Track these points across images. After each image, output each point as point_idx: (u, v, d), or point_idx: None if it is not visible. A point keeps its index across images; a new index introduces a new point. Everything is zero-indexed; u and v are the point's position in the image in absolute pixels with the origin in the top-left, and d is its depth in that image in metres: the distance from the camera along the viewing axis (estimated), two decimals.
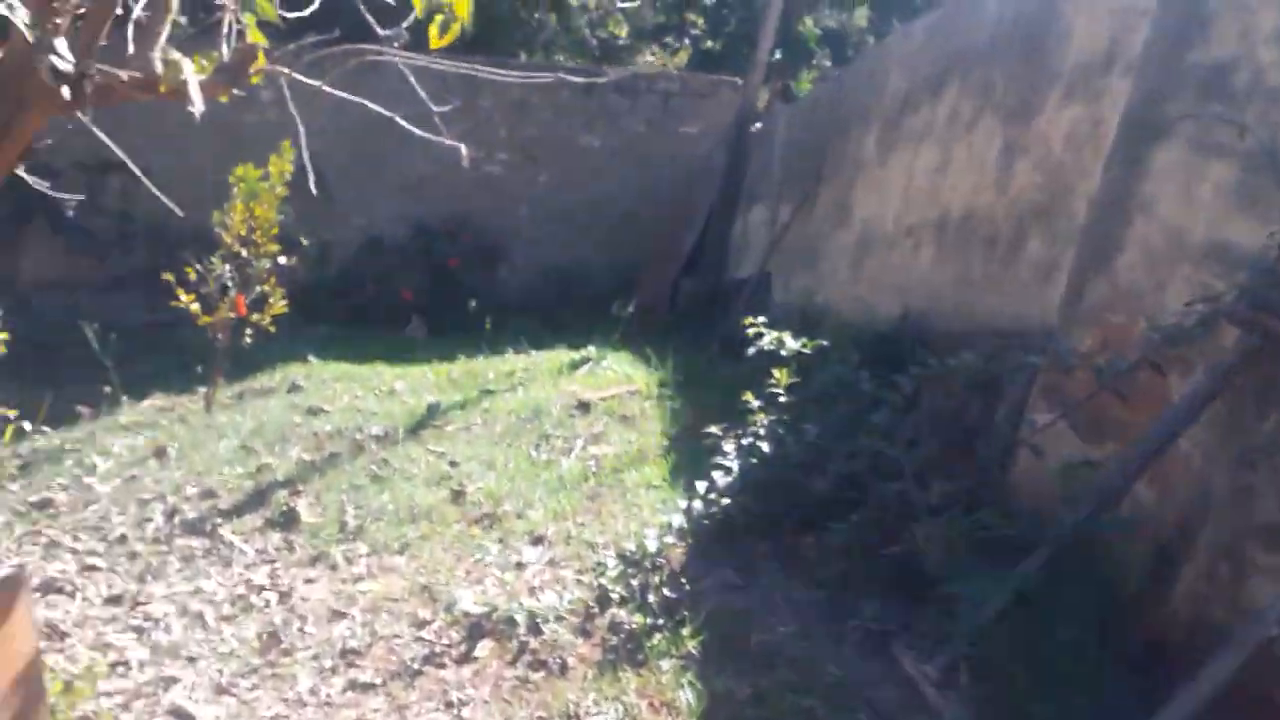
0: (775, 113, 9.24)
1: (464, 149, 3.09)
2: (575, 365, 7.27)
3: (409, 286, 9.82)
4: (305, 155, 3.54)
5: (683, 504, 3.88)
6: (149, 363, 8.01)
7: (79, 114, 2.49)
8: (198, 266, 6.15)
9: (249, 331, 6.35)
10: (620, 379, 6.43)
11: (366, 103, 3.16)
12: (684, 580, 3.41)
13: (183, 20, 2.46)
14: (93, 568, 3.99)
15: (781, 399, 3.66)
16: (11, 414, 5.92)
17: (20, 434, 6.01)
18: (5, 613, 2.42)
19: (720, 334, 7.17)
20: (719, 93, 10.50)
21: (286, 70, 3.00)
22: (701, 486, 3.76)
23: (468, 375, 7.13)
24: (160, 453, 5.30)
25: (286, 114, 10.29)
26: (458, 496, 4.61)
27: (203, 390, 6.64)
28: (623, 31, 16.41)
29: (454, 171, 10.37)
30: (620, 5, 13.06)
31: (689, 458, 4.72)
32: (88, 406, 6.63)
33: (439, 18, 3.11)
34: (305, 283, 7.75)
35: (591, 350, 7.65)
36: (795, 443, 3.58)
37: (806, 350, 3.68)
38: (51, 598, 3.72)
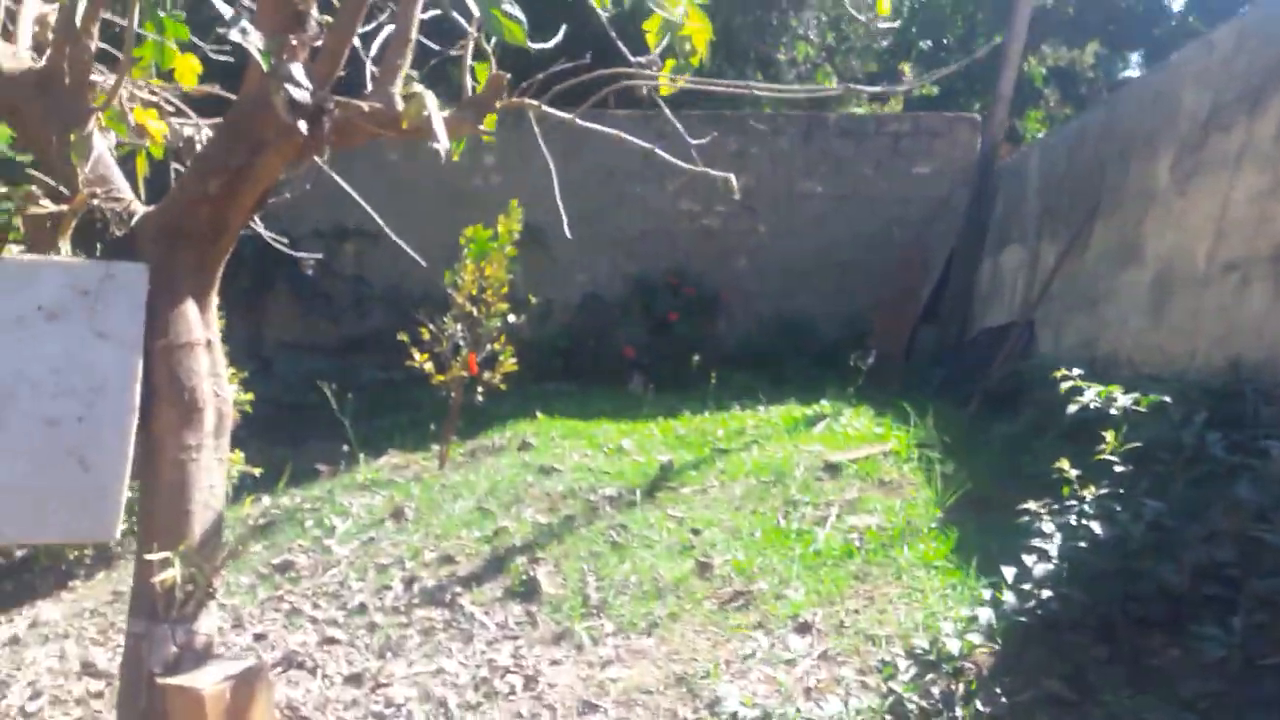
0: (1027, 148, 8.46)
1: (732, 179, 2.70)
2: (810, 421, 6.74)
3: (629, 342, 9.61)
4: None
5: (985, 594, 3.27)
6: (384, 420, 8.17)
7: (316, 158, 2.31)
8: (431, 326, 6.11)
9: (480, 389, 6.25)
10: (868, 437, 5.85)
11: (626, 136, 2.83)
12: (999, 691, 2.80)
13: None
14: (333, 640, 3.82)
15: (1115, 468, 3.00)
16: (257, 471, 6.04)
17: (265, 492, 6.16)
18: (246, 707, 2.17)
19: (980, 388, 6.45)
20: (955, 131, 9.81)
21: (536, 103, 2.73)
22: (1010, 573, 3.14)
23: (696, 432, 6.74)
24: (397, 514, 5.18)
25: (508, 177, 10.40)
26: (704, 569, 4.18)
27: (436, 448, 6.59)
28: (831, 84, 15.98)
29: (672, 225, 10.20)
30: (876, 26, 12.62)
31: (975, 534, 4.09)
32: (327, 465, 6.75)
33: (670, 62, 2.82)
34: (529, 340, 7.65)
35: (825, 405, 7.10)
36: (1132, 522, 2.91)
37: (1141, 408, 3.01)
38: (293, 674, 3.55)
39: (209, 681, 2.11)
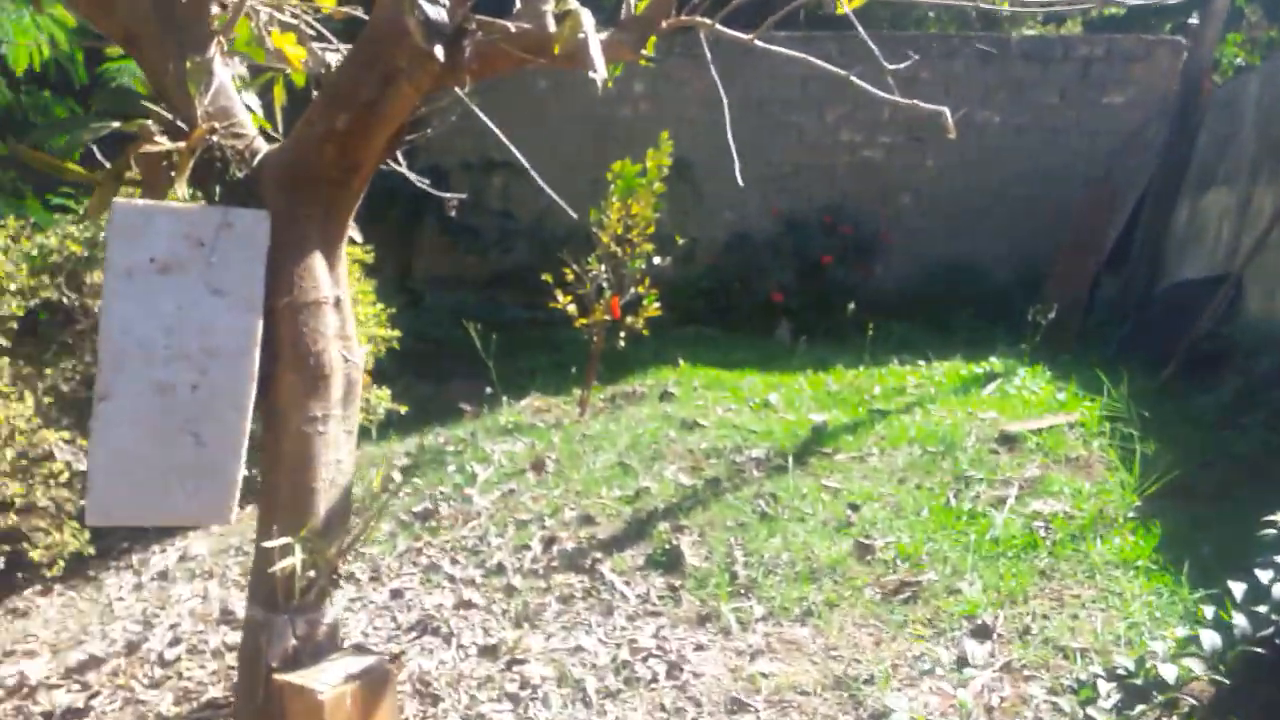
0: (1246, 73, 7.45)
1: (947, 113, 2.25)
2: (980, 381, 6.19)
3: (778, 285, 9.14)
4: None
5: (1206, 611, 2.78)
6: (526, 360, 8.04)
7: (457, 88, 2.01)
8: (575, 267, 5.85)
9: (622, 334, 5.99)
10: (1048, 404, 5.28)
11: (816, 60, 2.41)
12: None
13: None
14: (469, 604, 3.65)
15: None
16: (403, 409, 5.99)
17: (411, 431, 6.12)
18: (368, 714, 1.95)
19: (1179, 350, 5.74)
20: (1154, 55, 8.78)
21: (709, 22, 2.34)
22: (1239, 589, 2.65)
23: (849, 389, 6.30)
24: (538, 465, 4.99)
25: (657, 107, 9.91)
26: (864, 551, 3.80)
27: (577, 392, 6.40)
28: (1004, 2, 14.67)
29: (830, 158, 9.57)
30: None
31: (1182, 530, 3.56)
32: (470, 405, 6.66)
33: None
34: (673, 282, 7.30)
35: (996, 363, 6.52)
36: None
37: None
38: (427, 640, 3.40)
39: (329, 683, 1.90)
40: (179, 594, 4.06)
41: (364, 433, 5.95)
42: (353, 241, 2.67)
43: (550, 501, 4.50)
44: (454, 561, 4.06)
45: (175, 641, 3.53)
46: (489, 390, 6.53)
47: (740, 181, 3.37)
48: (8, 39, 4.22)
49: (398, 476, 5.14)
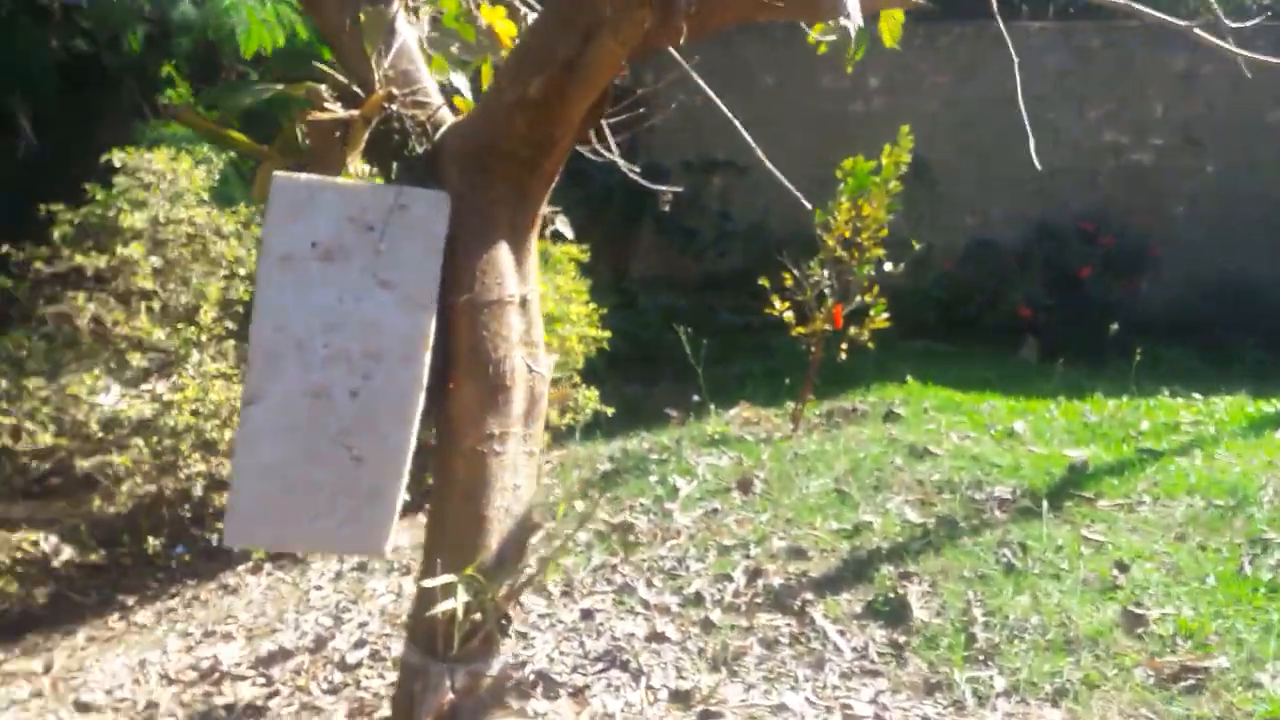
0: None
1: None
2: (1272, 423, 5.24)
3: (1024, 299, 8.26)
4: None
5: None
6: (737, 367, 7.67)
7: (669, 48, 1.65)
8: (795, 271, 5.41)
9: (844, 345, 5.50)
10: None
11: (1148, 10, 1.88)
12: None
13: None
14: (662, 637, 3.31)
15: None
16: (609, 411, 5.77)
17: (616, 435, 5.90)
18: None
19: None
20: None
21: None
22: None
23: (1111, 422, 5.49)
24: (745, 484, 4.59)
25: (893, 102, 9.22)
26: (1134, 623, 3.15)
27: (790, 405, 5.95)
28: None
29: (1091, 161, 8.59)
30: None
31: None
32: (676, 411, 6.37)
33: None
34: (901, 290, 6.69)
35: None
36: None
37: None
38: (615, 675, 3.08)
39: None
40: (373, 589, 3.97)
41: (568, 433, 5.78)
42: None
43: (756, 527, 4.10)
44: (649, 584, 3.74)
45: (360, 644, 3.40)
46: (696, 398, 6.21)
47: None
48: (243, 23, 4.31)
49: (593, 483, 4.89)
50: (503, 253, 1.81)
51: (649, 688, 2.99)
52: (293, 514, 1.60)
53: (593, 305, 5.82)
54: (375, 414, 1.64)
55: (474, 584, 1.74)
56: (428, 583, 1.71)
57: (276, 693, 3.14)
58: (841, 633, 3.29)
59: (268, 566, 4.34)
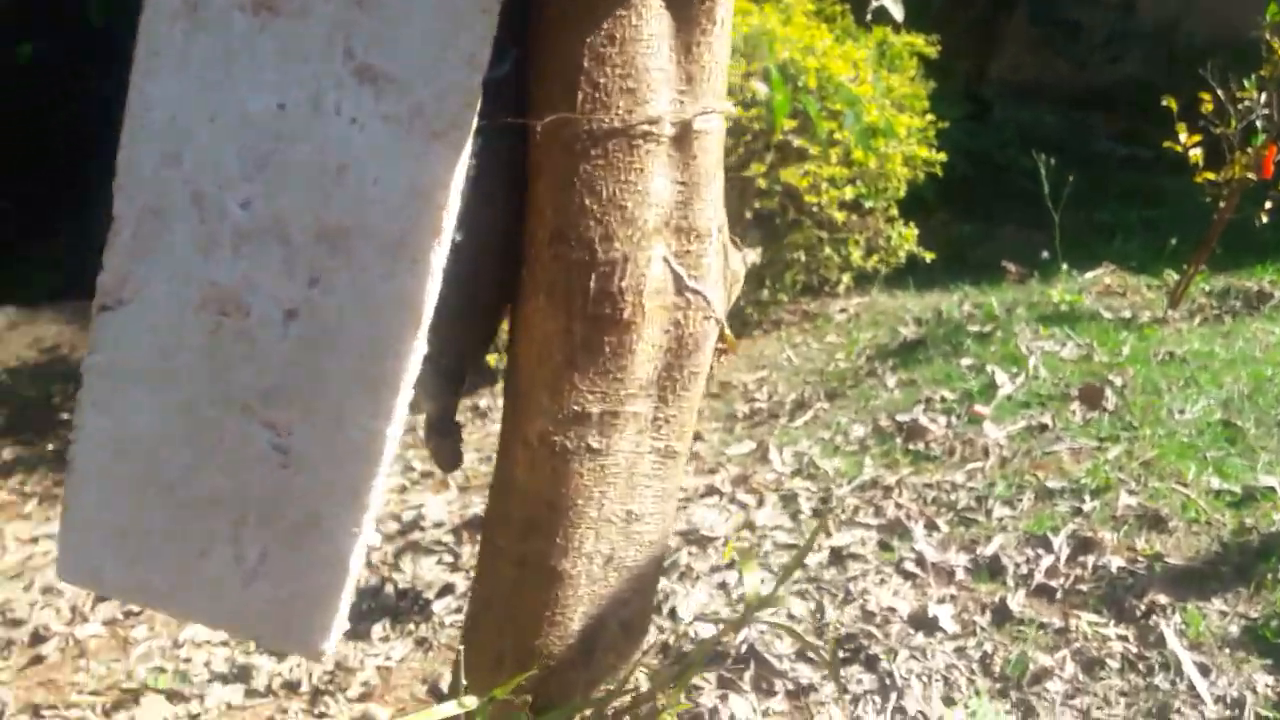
0: None
1: None
2: None
3: None
4: None
5: None
6: (1107, 212, 6.10)
7: None
8: (1217, 92, 3.90)
9: (1267, 206, 3.99)
10: None
11: None
12: None
13: None
14: (933, 625, 2.36)
15: None
16: (929, 257, 4.71)
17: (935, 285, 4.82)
18: None
19: None
20: None
21: None
22: None
23: None
24: (1091, 393, 3.38)
25: None
26: None
27: (1170, 276, 4.50)
28: None
29: None
30: None
31: None
32: (1016, 265, 5.12)
33: None
34: None
35: None
36: None
37: None
38: (856, 673, 2.20)
39: None
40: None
41: (868, 278, 4.77)
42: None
43: (1098, 466, 2.93)
44: (930, 527, 2.76)
45: None
46: (1045, 254, 4.89)
47: None
48: None
49: (885, 354, 3.88)
50: (649, 26, 0.85)
51: (898, 710, 2.09)
52: (165, 546, 0.83)
53: (931, 117, 4.72)
54: (325, 364, 0.81)
55: (542, 684, 0.90)
56: (459, 697, 0.90)
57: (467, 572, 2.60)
58: (1204, 669, 2.18)
59: None
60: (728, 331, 0.97)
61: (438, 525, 3.02)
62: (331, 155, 0.80)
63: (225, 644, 2.45)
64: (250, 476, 0.83)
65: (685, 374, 0.96)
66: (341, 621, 0.84)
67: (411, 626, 2.55)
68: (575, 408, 0.93)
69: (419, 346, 0.80)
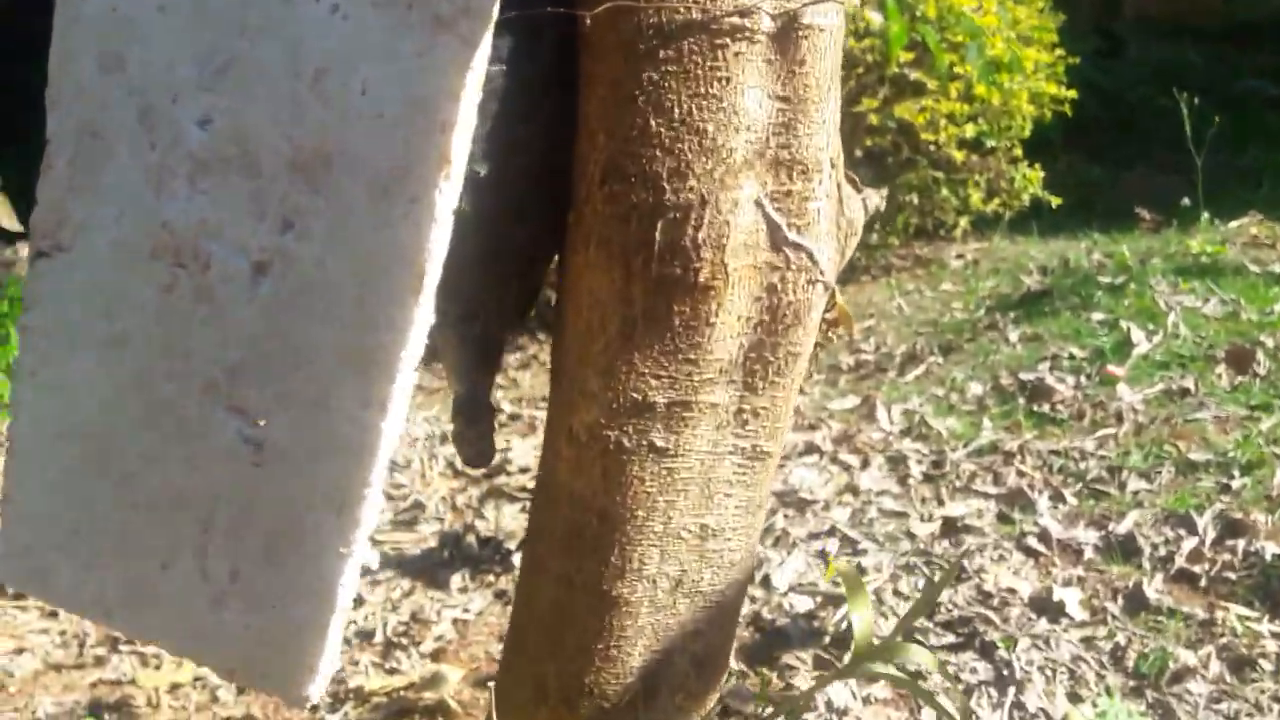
0: None
1: None
2: None
3: None
4: None
5: None
6: (1253, 157, 5.51)
7: None
8: None
9: None
10: None
11: None
12: None
13: None
14: (1059, 610, 2.07)
15: None
16: (1055, 202, 4.34)
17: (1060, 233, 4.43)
18: None
19: None
20: None
21: None
22: None
23: None
24: (1240, 356, 2.98)
25: None
26: None
27: None
28: None
29: None
30: None
31: None
32: (1150, 212, 4.66)
33: None
34: None
35: None
36: None
37: None
38: (970, 660, 1.95)
39: None
40: None
41: (988, 222, 4.41)
42: None
43: (1250, 440, 2.56)
44: (1056, 499, 2.45)
45: None
46: (1186, 201, 4.43)
47: None
48: None
49: (1007, 305, 3.54)
50: None
51: (1016, 705, 1.82)
52: (122, 552, 0.65)
53: (1060, 51, 4.30)
54: (303, 334, 0.60)
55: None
56: None
57: None
58: None
59: None
60: (840, 299, 0.73)
61: (523, 470, 2.85)
62: (308, 55, 0.58)
63: None
64: (216, 474, 0.63)
65: (780, 355, 0.72)
66: (331, 660, 0.64)
67: (491, 578, 2.39)
68: (635, 395, 0.70)
69: (421, 315, 0.59)
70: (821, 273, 0.70)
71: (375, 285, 0.59)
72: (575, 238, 0.70)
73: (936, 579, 1.76)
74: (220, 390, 0.62)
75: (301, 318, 0.60)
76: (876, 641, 1.05)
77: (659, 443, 0.70)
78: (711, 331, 0.69)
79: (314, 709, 1.86)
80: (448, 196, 0.57)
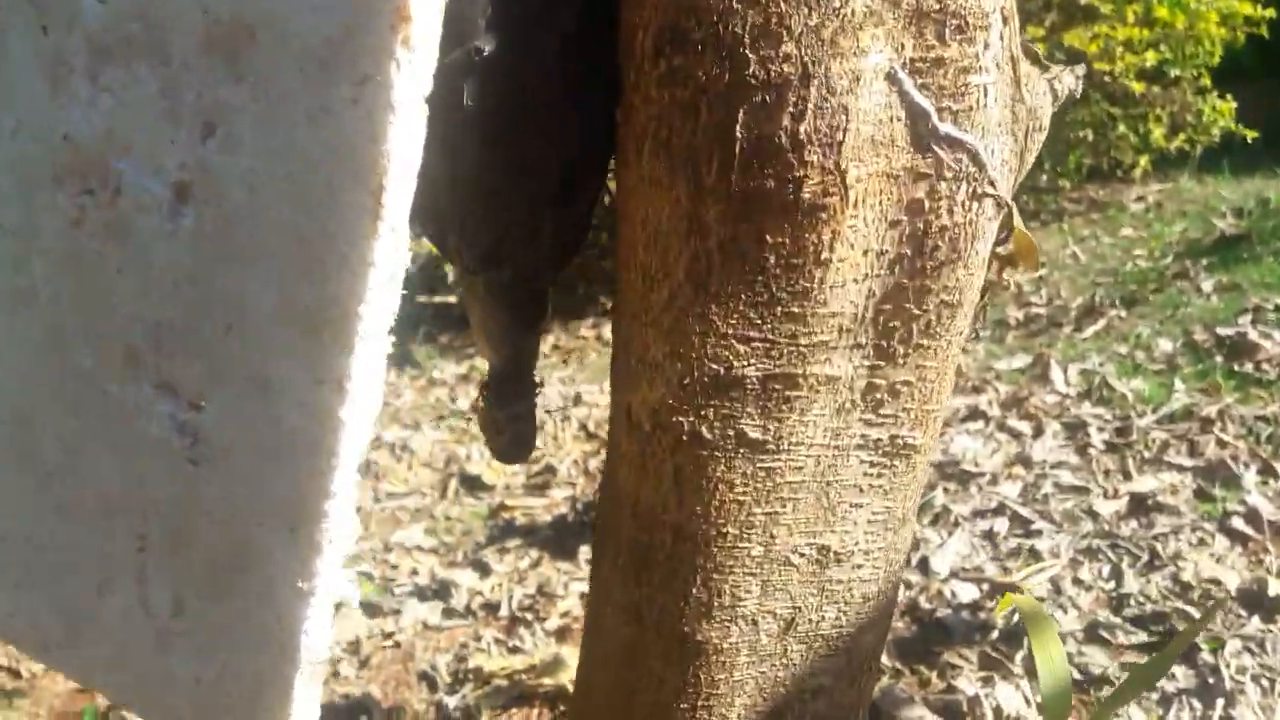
0: None
1: None
2: None
3: None
4: None
5: None
6: None
7: None
8: None
9: None
10: None
11: None
12: None
13: None
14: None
15: None
16: (1249, 135, 3.84)
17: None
18: None
19: None
20: None
21: None
22: None
23: None
24: None
25: None
26: None
27: None
28: None
29: None
30: None
31: None
32: None
33: None
34: None
35: None
36: None
37: None
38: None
39: None
40: None
41: (1172, 161, 3.91)
42: None
43: None
44: (1265, 471, 2.08)
45: None
46: None
47: None
48: None
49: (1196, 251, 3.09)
50: None
51: None
52: (56, 568, 0.49)
53: None
54: (235, 281, 0.41)
55: None
56: None
57: None
58: None
59: None
60: (1019, 223, 0.48)
61: None
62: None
63: (433, 551, 2.25)
64: (149, 474, 0.46)
65: (930, 306, 0.47)
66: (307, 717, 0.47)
67: None
68: (714, 367, 0.47)
69: (384, 250, 0.39)
70: (991, 183, 0.46)
71: (317, 208, 0.39)
72: (625, 142, 0.48)
73: (1170, 641, 1.42)
74: (145, 361, 0.45)
75: (231, 260, 0.42)
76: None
77: (752, 433, 0.48)
78: (824, 273, 0.45)
79: (432, 687, 1.75)
80: (413, 73, 0.38)
